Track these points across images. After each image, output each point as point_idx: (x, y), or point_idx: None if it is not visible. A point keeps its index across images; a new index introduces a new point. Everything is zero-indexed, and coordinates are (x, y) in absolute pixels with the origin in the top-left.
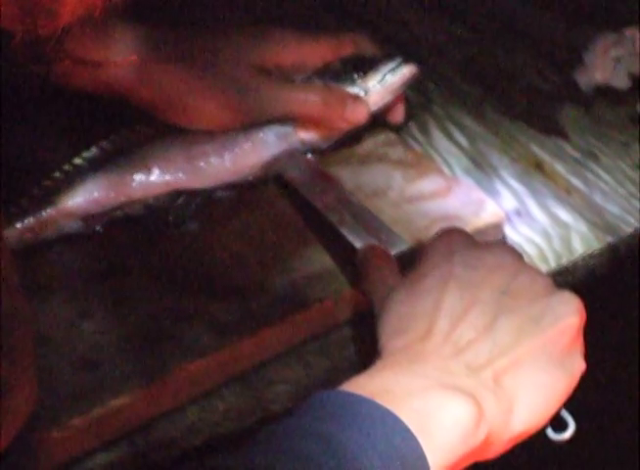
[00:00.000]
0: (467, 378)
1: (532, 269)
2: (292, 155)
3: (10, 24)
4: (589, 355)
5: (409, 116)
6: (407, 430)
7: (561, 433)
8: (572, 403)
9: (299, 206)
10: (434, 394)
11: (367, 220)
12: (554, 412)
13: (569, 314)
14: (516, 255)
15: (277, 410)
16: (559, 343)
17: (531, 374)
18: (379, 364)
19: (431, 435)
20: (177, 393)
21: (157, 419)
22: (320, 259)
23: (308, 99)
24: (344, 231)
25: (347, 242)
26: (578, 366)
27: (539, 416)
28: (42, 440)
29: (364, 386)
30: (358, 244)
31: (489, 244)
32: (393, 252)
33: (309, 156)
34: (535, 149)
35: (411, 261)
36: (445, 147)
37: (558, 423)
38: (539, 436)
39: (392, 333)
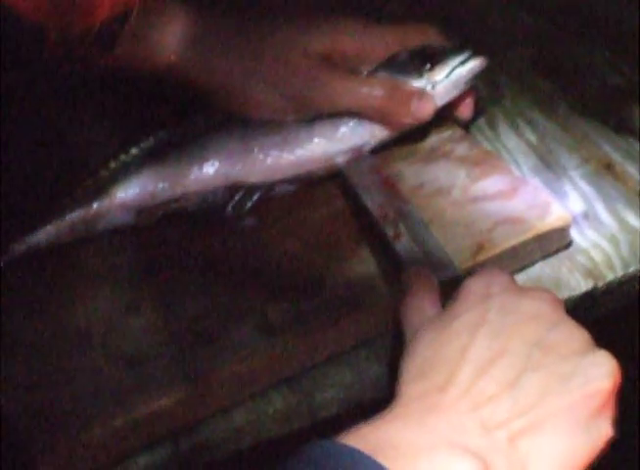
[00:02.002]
0: (479, 438)
1: (571, 322)
2: (355, 153)
3: (44, 22)
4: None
5: (478, 110)
6: None
7: None
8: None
9: (357, 208)
10: (441, 454)
11: (422, 238)
12: None
13: (601, 378)
14: (557, 304)
15: (326, 416)
16: (586, 407)
17: (551, 438)
18: (390, 413)
19: None
20: (224, 394)
21: (202, 421)
22: (375, 262)
23: (373, 93)
24: (397, 247)
25: (398, 258)
26: (605, 433)
27: None
28: (84, 440)
29: (368, 437)
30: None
31: (530, 289)
32: (440, 277)
33: (372, 154)
34: (607, 149)
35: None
36: (514, 144)
37: None
38: None
39: (412, 377)
